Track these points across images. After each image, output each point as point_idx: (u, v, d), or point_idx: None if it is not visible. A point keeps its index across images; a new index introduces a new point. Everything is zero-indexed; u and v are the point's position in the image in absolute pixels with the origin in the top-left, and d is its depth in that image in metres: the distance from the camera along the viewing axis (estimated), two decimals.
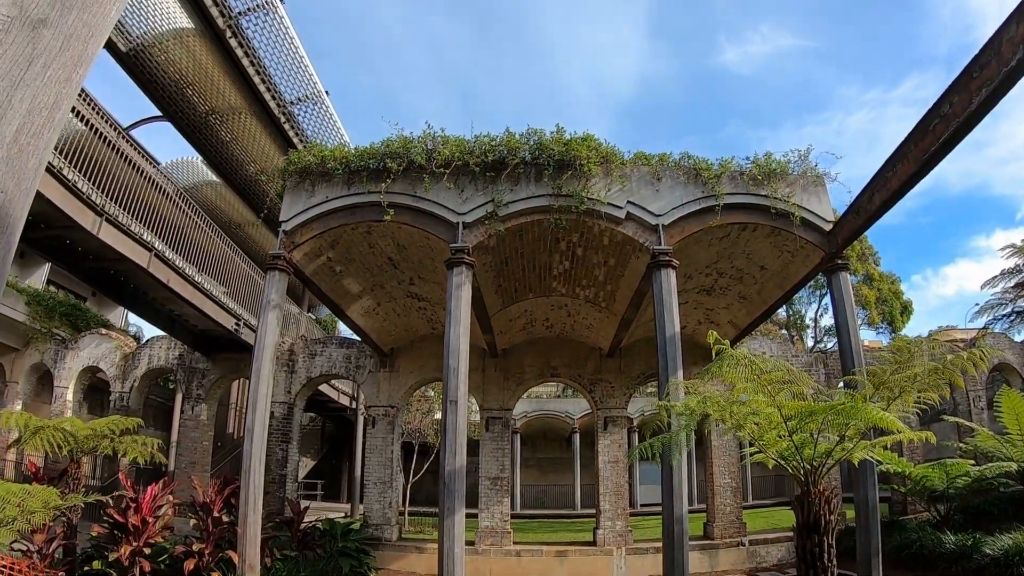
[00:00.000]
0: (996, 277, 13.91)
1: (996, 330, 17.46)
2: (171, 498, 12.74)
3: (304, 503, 15.33)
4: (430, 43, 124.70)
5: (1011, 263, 13.33)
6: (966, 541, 13.13)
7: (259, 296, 17.65)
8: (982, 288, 25.95)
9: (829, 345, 34.81)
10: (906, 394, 6.57)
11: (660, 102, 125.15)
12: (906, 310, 35.62)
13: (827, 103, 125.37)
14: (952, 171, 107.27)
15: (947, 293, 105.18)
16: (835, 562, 6.31)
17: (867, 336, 35.51)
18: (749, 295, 14.53)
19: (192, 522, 12.74)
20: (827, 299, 34.81)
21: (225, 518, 12.47)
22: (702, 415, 6.49)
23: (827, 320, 36.24)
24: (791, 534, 17.38)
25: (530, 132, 11.62)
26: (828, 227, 11.66)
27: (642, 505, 30.72)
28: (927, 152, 8.67)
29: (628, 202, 11.40)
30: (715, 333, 6.70)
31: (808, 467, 6.39)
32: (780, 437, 6.34)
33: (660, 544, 16.27)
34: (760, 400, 5.95)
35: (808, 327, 37.87)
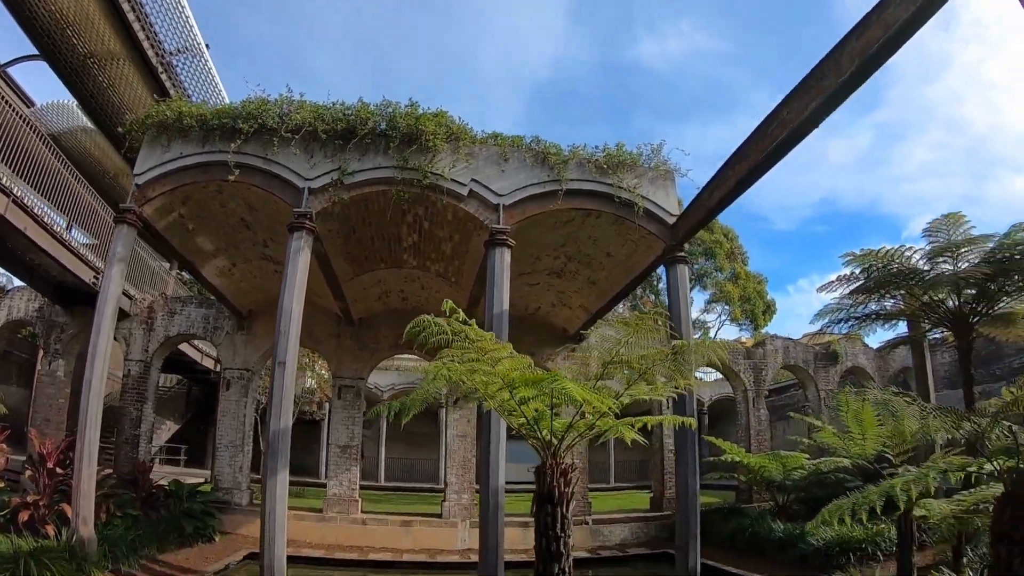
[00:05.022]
0: (832, 283, 15.03)
1: (836, 333, 18.79)
2: (4, 447, 13.16)
3: (165, 468, 15.80)
4: (346, 1, 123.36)
5: (847, 271, 14.49)
6: (794, 530, 14.38)
7: None
8: (817, 292, 27.81)
9: (695, 336, 36.37)
10: (649, 374, 7.37)
11: (573, 88, 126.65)
12: (768, 309, 37.65)
13: (736, 106, 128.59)
14: (848, 186, 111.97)
15: (828, 299, 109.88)
16: (568, 532, 6.99)
17: (732, 332, 37.44)
18: (598, 280, 15.45)
19: (27, 473, 13.12)
20: (696, 291, 37.15)
21: (60, 471, 12.87)
22: (447, 381, 7.09)
23: (693, 311, 38.13)
24: (635, 515, 18.68)
25: (384, 104, 12.24)
26: (672, 220, 12.59)
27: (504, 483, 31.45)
28: (763, 153, 9.62)
29: (472, 180, 12.11)
30: (450, 302, 7.40)
31: (547, 440, 7.12)
32: (516, 406, 7.00)
33: (506, 518, 17.30)
34: (482, 366, 6.61)
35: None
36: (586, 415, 7.20)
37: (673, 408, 11.81)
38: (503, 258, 11.68)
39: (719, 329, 38.35)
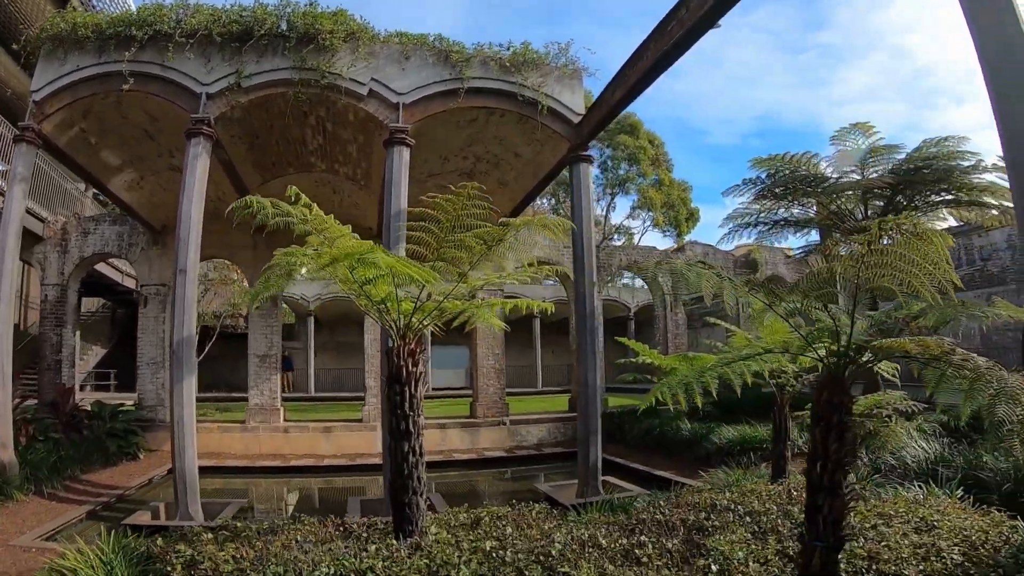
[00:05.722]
0: (737, 187, 15.10)
1: (748, 239, 19.19)
2: None
3: (96, 394, 15.75)
4: None
5: (754, 176, 14.55)
6: (700, 431, 15.05)
7: (38, 174, 17.56)
8: (723, 196, 28.30)
9: (620, 242, 36.85)
10: (497, 249, 7.37)
11: None
12: (692, 216, 38.10)
13: None
14: (789, 104, 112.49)
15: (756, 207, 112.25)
16: (417, 411, 7.08)
17: (656, 239, 37.75)
18: (508, 181, 15.53)
19: None
20: (620, 197, 37.14)
21: None
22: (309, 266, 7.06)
23: (617, 217, 38.45)
24: (554, 416, 19.17)
25: (283, 3, 11.92)
26: (578, 119, 12.62)
27: (435, 388, 32.16)
28: (661, 52, 9.65)
29: (372, 79, 11.94)
30: (294, 188, 7.32)
31: (396, 321, 7.21)
32: (359, 287, 7.05)
33: (428, 420, 17.52)
34: (326, 249, 6.58)
35: (598, 223, 39.79)
36: (432, 296, 7.27)
37: (574, 303, 12.01)
38: (402, 157, 11.61)
39: (643, 235, 38.51)
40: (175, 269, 11.33)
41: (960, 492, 7.55)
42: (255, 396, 17.67)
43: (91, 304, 30.60)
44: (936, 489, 7.88)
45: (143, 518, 10.26)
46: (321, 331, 35.79)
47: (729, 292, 4.91)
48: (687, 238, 34.54)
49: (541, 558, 5.67)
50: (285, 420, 17.85)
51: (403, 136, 11.70)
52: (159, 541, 6.49)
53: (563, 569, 5.42)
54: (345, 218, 7.39)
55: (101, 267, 23.12)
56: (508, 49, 12.58)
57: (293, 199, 6.77)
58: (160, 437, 16.47)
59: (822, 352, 4.76)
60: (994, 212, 14.33)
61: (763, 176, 14.54)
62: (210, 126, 11.63)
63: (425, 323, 7.41)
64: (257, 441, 17.05)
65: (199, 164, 11.46)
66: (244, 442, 16.79)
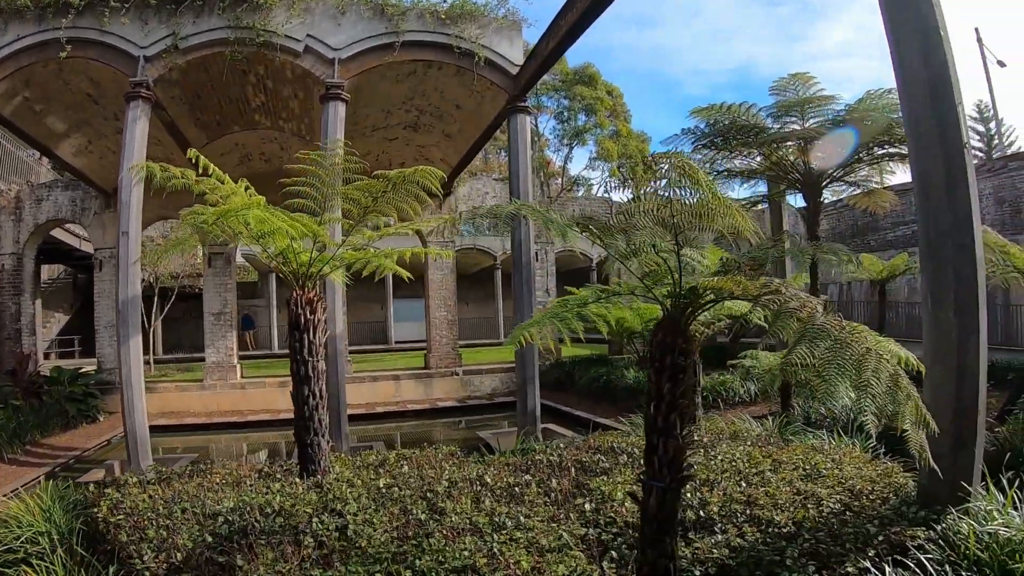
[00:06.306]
0: (676, 136, 15.08)
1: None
2: None
3: (60, 361, 15.96)
4: None
5: (692, 125, 14.62)
6: (643, 378, 15.19)
7: None
8: (662, 144, 28.07)
9: (578, 193, 36.88)
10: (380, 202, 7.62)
11: None
12: (650, 167, 37.33)
13: None
14: (765, 57, 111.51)
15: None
16: (316, 357, 7.42)
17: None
18: (452, 133, 15.74)
19: None
20: (578, 149, 37.21)
21: None
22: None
23: (575, 169, 38.29)
24: (506, 366, 19.49)
25: None
26: (516, 70, 12.76)
27: (397, 342, 32.73)
28: (588, 3, 9.83)
29: (308, 35, 12.03)
30: (193, 149, 7.52)
31: (295, 271, 7.48)
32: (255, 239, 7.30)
33: (376, 375, 17.96)
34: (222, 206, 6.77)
35: (556, 175, 39.94)
36: (326, 247, 7.55)
37: (512, 252, 12.25)
38: (337, 112, 11.75)
39: (602, 187, 38.62)
40: (118, 231, 11.51)
41: (873, 443, 7.40)
42: (212, 354, 17.96)
43: (52, 271, 30.68)
44: (847, 439, 7.95)
45: (97, 476, 10.57)
46: (283, 288, 35.89)
47: (555, 230, 5.03)
48: (644, 189, 34.16)
49: (428, 495, 6.07)
50: (242, 377, 18.13)
51: (338, 91, 11.82)
52: (91, 488, 6.97)
53: (442, 504, 5.76)
54: (295, 173, 7.60)
55: (59, 233, 23.10)
56: (446, 2, 12.66)
57: (194, 161, 7.00)
58: (119, 399, 16.60)
59: (664, 293, 4.70)
60: None
61: (702, 126, 14.56)
62: (148, 89, 11.70)
63: (324, 272, 7.67)
64: (215, 398, 17.36)
65: (138, 127, 11.53)
66: (202, 400, 17.10)
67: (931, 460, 3.99)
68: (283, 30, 11.84)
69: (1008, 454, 6.53)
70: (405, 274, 8.84)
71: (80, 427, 15.03)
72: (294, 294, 7.38)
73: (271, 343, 32.96)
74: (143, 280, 21.86)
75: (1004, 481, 4.98)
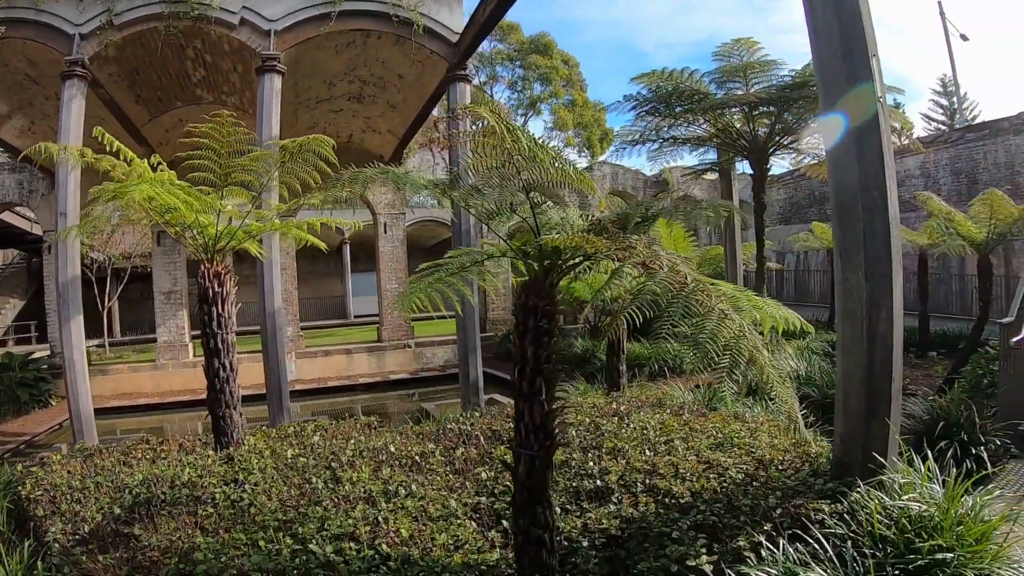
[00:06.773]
0: (619, 103, 14.99)
1: (637, 158, 19.43)
2: None
3: (17, 348, 15.83)
4: None
5: (635, 92, 14.50)
6: (590, 347, 15.65)
7: None
8: (608, 111, 27.78)
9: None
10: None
11: None
12: (606, 136, 37.65)
13: None
14: (729, 30, 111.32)
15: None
16: (226, 328, 7.54)
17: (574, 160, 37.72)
18: (397, 104, 15.68)
19: None
20: (533, 119, 37.48)
21: None
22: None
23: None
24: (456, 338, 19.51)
25: None
26: (456, 39, 12.68)
27: (356, 316, 32.74)
28: None
29: (243, 7, 11.85)
30: (100, 128, 7.46)
31: (202, 244, 7.50)
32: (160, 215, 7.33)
33: (328, 349, 17.97)
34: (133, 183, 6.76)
35: None
36: (232, 221, 7.59)
37: (453, 222, 12.26)
38: (273, 84, 11.63)
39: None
40: (55, 213, 11.46)
41: (804, 411, 6.91)
42: (163, 333, 17.88)
43: (7, 256, 30.46)
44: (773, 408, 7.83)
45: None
46: (242, 265, 35.74)
47: (410, 190, 5.05)
48: (600, 158, 34.44)
49: (332, 464, 6.22)
50: (195, 356, 18.05)
51: (273, 63, 11.71)
52: (19, 467, 7.17)
53: (342, 473, 5.92)
54: (242, 148, 7.58)
55: (9, 217, 22.92)
56: None
57: (100, 139, 7.00)
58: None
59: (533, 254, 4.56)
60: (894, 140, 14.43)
61: (644, 92, 14.53)
62: (84, 67, 11.60)
63: (232, 246, 7.70)
64: (167, 378, 17.34)
65: (75, 106, 11.46)
66: (155, 380, 17.05)
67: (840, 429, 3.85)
68: (218, 2, 11.70)
69: (942, 423, 6.48)
70: (323, 245, 8.81)
71: (32, 412, 15.01)
72: (202, 267, 7.40)
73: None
74: (95, 261, 21.87)
75: (935, 452, 4.84)
